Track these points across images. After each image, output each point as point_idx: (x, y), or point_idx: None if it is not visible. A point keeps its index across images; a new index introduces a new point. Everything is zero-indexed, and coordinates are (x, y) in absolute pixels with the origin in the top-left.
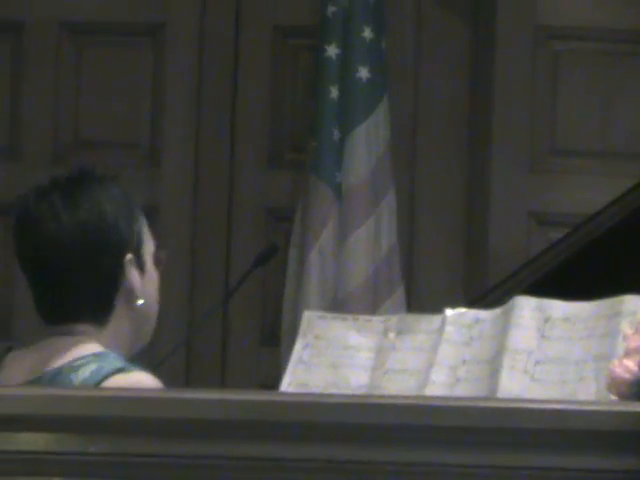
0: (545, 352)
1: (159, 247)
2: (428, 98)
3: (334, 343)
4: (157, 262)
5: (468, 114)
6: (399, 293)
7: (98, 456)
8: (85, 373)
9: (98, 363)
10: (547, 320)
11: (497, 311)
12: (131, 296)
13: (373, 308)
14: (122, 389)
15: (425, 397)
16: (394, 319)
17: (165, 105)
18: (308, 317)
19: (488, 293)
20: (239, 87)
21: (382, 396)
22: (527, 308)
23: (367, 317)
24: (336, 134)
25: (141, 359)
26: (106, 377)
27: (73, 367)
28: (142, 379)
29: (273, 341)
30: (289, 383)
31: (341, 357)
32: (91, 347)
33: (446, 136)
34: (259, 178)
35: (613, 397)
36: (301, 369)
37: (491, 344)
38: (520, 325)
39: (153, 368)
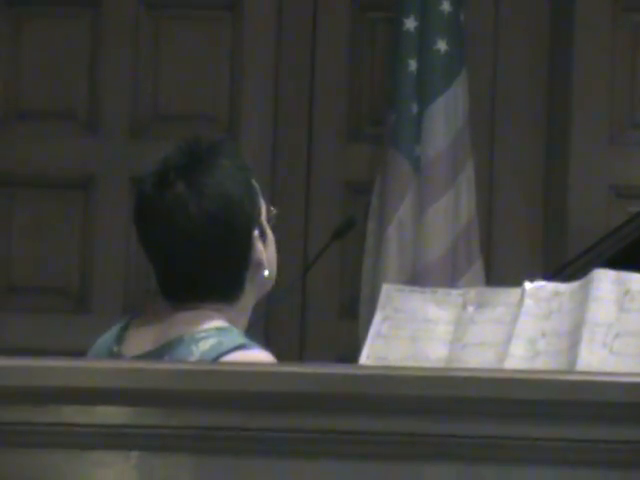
0: (624, 325)
1: (268, 206)
2: (507, 70)
3: (413, 316)
4: (270, 221)
5: (547, 86)
6: (478, 266)
7: (177, 429)
8: (206, 345)
9: (220, 337)
10: (626, 293)
11: (576, 284)
12: (258, 269)
13: (452, 281)
14: (200, 363)
15: (504, 370)
16: (473, 292)
17: (243, 78)
18: (387, 290)
19: (567, 266)
20: (317, 61)
21: (461, 369)
22: (606, 281)
23: (446, 290)
24: (415, 107)
25: None
26: (226, 352)
27: (195, 338)
28: (262, 357)
29: (351, 314)
30: (368, 356)
31: (420, 330)
32: (216, 321)
33: (525, 108)
34: (338, 151)
35: None
36: (380, 342)
37: (570, 317)
38: (599, 298)
39: None
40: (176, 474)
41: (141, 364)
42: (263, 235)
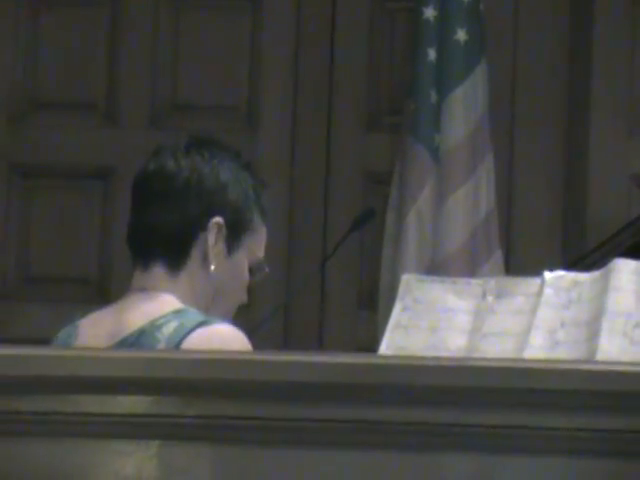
0: None
1: (263, 263)
2: (527, 61)
3: (432, 306)
4: (253, 271)
5: (567, 77)
6: (497, 256)
7: (196, 419)
8: (169, 329)
9: (179, 320)
10: None
11: (596, 274)
12: (205, 259)
13: (471, 271)
14: (221, 351)
15: (524, 360)
16: (492, 282)
17: (263, 69)
18: (406, 280)
19: (587, 256)
20: (337, 50)
21: (480, 359)
22: (626, 271)
23: (465, 280)
24: (434, 96)
25: (239, 322)
26: (190, 332)
27: (155, 326)
28: (224, 330)
29: (371, 304)
30: (387, 346)
31: (439, 320)
32: (169, 303)
33: (545, 99)
34: (357, 141)
35: None
36: (399, 332)
37: (590, 307)
38: (619, 288)
39: (251, 331)
40: (196, 463)
41: (160, 353)
42: (231, 249)
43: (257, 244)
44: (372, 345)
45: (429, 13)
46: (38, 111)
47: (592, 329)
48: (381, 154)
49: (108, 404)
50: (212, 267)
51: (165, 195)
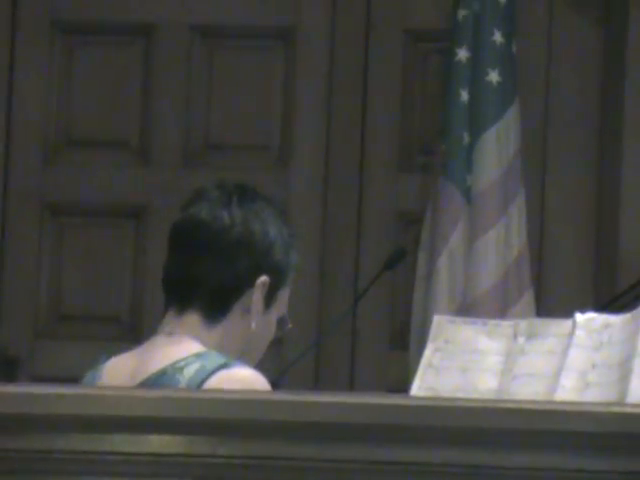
0: None
1: (287, 316)
2: (559, 101)
3: (463, 347)
4: (279, 324)
5: (599, 117)
6: (528, 297)
7: (227, 458)
8: (190, 372)
9: (201, 362)
10: None
11: (627, 315)
12: (247, 315)
13: (502, 312)
14: (251, 392)
15: (554, 402)
16: (523, 323)
17: (296, 108)
18: (438, 321)
19: (618, 297)
20: (369, 90)
21: (511, 400)
22: None
23: (496, 321)
24: (466, 137)
25: (272, 362)
26: (211, 374)
27: (176, 368)
28: (246, 373)
29: (402, 345)
30: (419, 387)
31: (470, 361)
32: (191, 347)
33: (577, 139)
34: (389, 181)
35: None
36: (431, 373)
37: (621, 348)
38: None
39: (283, 370)
40: None
41: (188, 393)
42: (269, 304)
43: (285, 298)
44: (403, 386)
45: (462, 54)
46: (71, 149)
47: (623, 371)
48: (413, 194)
49: (140, 443)
50: (253, 325)
51: (215, 248)
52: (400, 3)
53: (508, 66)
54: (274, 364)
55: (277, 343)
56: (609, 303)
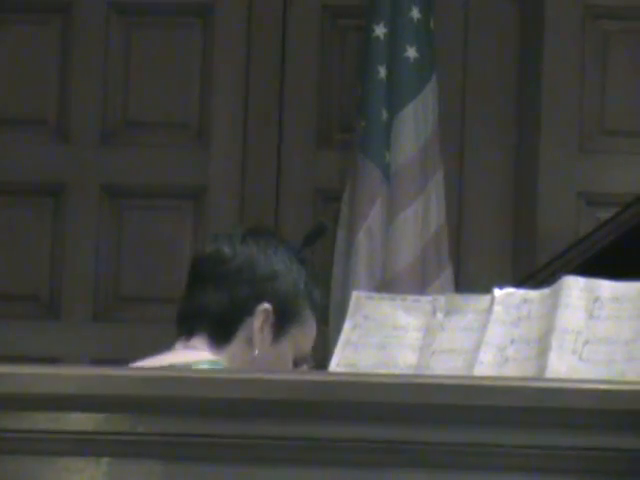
0: (594, 332)
1: (309, 356)
2: (476, 78)
3: (382, 323)
4: (297, 363)
5: (517, 94)
6: (447, 273)
7: (146, 436)
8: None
9: (212, 365)
10: (596, 300)
11: (545, 291)
12: (250, 343)
13: (421, 288)
14: (169, 369)
15: (473, 377)
16: (442, 299)
17: (213, 85)
18: (356, 297)
19: (537, 273)
20: (287, 67)
21: (430, 376)
22: (576, 288)
23: (415, 297)
24: (384, 114)
25: None
26: None
27: (187, 364)
28: None
29: (321, 321)
30: (337, 363)
31: (389, 337)
32: (207, 356)
33: (495, 116)
34: (307, 158)
35: None
36: (350, 349)
37: (539, 324)
38: (568, 305)
39: None
40: None
41: (109, 370)
42: (278, 337)
43: (304, 337)
44: (323, 362)
45: (379, 31)
46: None
47: (542, 346)
48: (331, 171)
49: (58, 421)
50: (256, 352)
51: (217, 276)
52: None
53: (426, 42)
54: None
55: None
56: (527, 279)
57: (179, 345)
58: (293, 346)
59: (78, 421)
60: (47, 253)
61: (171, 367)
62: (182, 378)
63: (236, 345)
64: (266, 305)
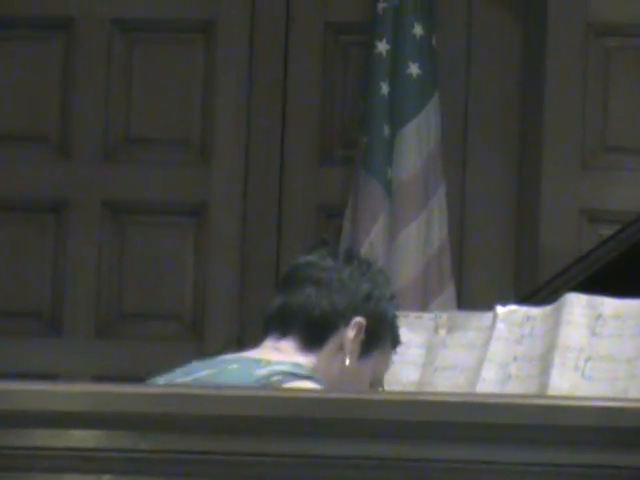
0: (596, 349)
1: (381, 383)
2: (479, 94)
3: None
4: (372, 384)
5: (519, 111)
6: (450, 290)
7: (148, 453)
8: (279, 367)
9: (294, 367)
10: (598, 317)
11: (548, 308)
12: (340, 350)
13: (424, 304)
14: (171, 386)
15: (476, 394)
16: (445, 316)
17: (216, 102)
18: None
19: (539, 290)
20: (290, 83)
21: (432, 393)
22: (578, 305)
23: (418, 314)
24: (387, 130)
25: (193, 355)
26: (298, 377)
27: (270, 362)
28: (309, 385)
29: None
30: None
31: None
32: (295, 358)
33: (497, 133)
34: (310, 174)
35: None
36: None
37: (542, 341)
38: (571, 322)
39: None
40: None
41: (111, 387)
42: (366, 353)
43: (383, 363)
44: None
45: (382, 47)
46: None
47: (544, 363)
48: (334, 188)
49: (61, 438)
50: (347, 361)
51: (319, 282)
52: None
53: (428, 59)
54: (195, 357)
55: (199, 338)
56: (529, 296)
57: (268, 343)
58: (373, 368)
59: (80, 438)
60: (49, 269)
61: (175, 385)
62: (184, 395)
63: (327, 352)
64: (361, 319)
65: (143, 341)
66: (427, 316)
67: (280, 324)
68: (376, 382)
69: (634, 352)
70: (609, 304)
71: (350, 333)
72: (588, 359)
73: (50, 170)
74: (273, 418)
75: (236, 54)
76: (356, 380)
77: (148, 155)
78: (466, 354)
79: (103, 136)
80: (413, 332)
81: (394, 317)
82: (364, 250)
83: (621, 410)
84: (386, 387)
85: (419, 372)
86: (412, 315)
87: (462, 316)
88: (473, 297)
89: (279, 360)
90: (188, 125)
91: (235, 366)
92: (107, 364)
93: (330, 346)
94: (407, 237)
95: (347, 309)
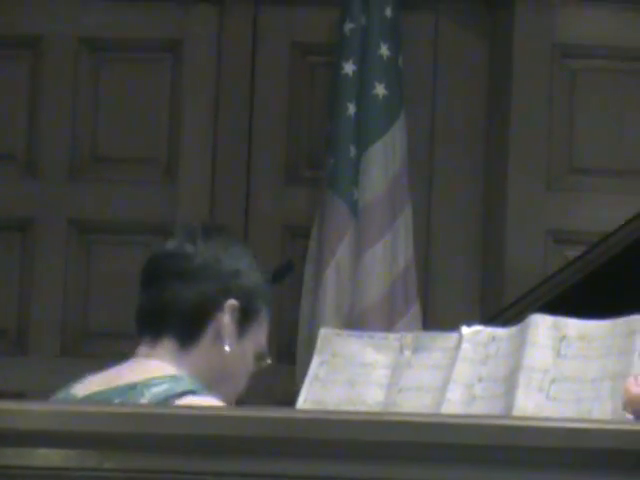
0: (561, 370)
1: (266, 353)
2: (445, 115)
3: (350, 360)
4: (258, 357)
5: (485, 131)
6: (415, 310)
7: (113, 472)
8: (159, 390)
9: (171, 384)
10: (563, 338)
11: (513, 329)
12: (218, 338)
13: (389, 325)
14: (136, 406)
15: (441, 415)
16: (410, 336)
17: (182, 121)
18: (324, 334)
19: (504, 311)
20: (256, 103)
21: (397, 413)
22: (543, 326)
23: (383, 334)
24: (353, 151)
25: None
26: (175, 396)
27: (147, 385)
28: (211, 402)
29: (289, 358)
30: (305, 400)
31: (357, 374)
32: (167, 369)
33: (463, 153)
34: (276, 194)
35: (629, 416)
36: (317, 386)
37: (507, 362)
38: (536, 343)
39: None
40: None
41: (76, 406)
42: (242, 334)
43: (262, 335)
44: (290, 399)
45: (348, 68)
46: None
47: (509, 384)
48: (300, 207)
49: (25, 457)
50: (227, 347)
51: (183, 273)
52: (287, 16)
53: (394, 80)
54: None
55: None
56: (495, 316)
57: (142, 350)
58: (255, 341)
59: (45, 457)
60: (15, 288)
61: (132, 386)
62: (148, 415)
63: (205, 344)
64: (233, 301)
65: (109, 360)
66: (393, 337)
67: (152, 325)
68: (261, 355)
69: (599, 373)
70: (574, 325)
71: (226, 318)
72: (553, 380)
73: (16, 188)
74: (236, 437)
75: (202, 73)
76: (240, 361)
77: (114, 174)
78: (432, 374)
79: (70, 154)
80: (379, 352)
81: (264, 284)
82: (330, 270)
83: (585, 431)
84: (351, 408)
85: (384, 393)
86: (377, 336)
87: (428, 336)
88: (439, 317)
89: (157, 376)
90: (154, 144)
91: (117, 401)
92: None
93: (207, 338)
94: (373, 257)
95: (218, 294)
